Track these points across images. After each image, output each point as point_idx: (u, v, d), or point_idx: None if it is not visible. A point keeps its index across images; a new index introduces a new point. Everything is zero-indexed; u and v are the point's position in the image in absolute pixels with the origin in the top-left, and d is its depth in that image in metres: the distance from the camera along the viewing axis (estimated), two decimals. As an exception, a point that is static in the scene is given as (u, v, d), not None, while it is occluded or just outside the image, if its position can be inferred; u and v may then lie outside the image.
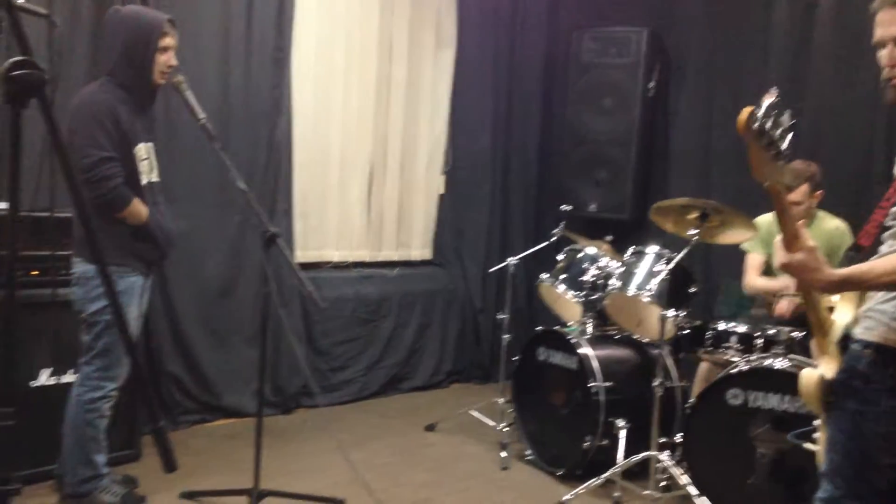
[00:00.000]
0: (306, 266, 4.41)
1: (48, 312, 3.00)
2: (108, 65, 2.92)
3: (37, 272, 3.05)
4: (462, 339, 5.35)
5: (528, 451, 3.80)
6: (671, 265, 3.37)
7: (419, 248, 5.37)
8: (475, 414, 4.23)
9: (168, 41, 2.93)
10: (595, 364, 3.53)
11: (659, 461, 3.18)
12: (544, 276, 3.95)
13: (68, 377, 3.14)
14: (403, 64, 5.11)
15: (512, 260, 4.11)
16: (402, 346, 5.02)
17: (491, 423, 4.09)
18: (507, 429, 3.91)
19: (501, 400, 4.04)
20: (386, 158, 5.11)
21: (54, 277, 2.98)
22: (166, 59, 2.93)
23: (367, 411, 4.57)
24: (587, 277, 3.80)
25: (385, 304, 4.94)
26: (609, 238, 4.06)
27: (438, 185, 5.39)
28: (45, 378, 3.12)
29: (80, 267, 2.87)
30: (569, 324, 3.91)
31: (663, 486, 3.20)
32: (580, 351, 3.58)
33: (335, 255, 4.88)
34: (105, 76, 2.92)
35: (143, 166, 2.95)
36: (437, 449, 3.99)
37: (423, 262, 5.38)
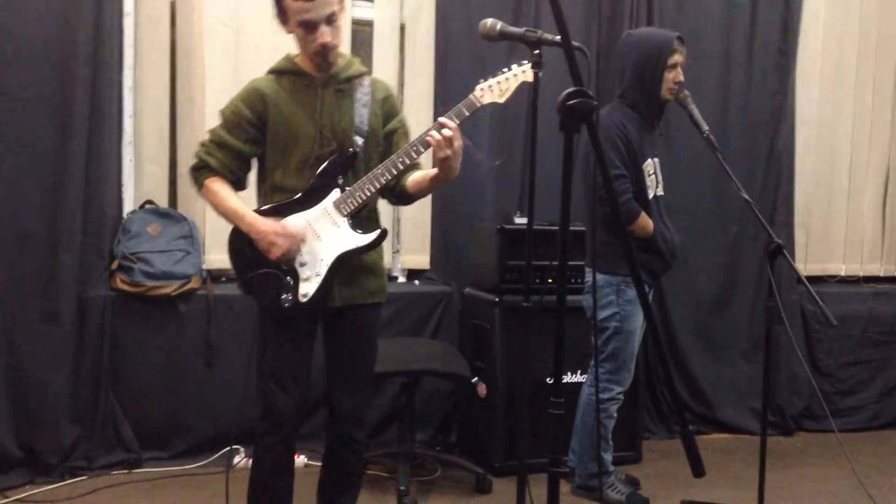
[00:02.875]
0: (809, 280, 4.11)
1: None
2: (620, 87, 3.10)
3: (550, 280, 3.37)
4: None
5: None
6: None
7: (949, 263, 4.62)
8: None
9: (676, 58, 3.00)
10: None
11: None
12: None
13: (576, 377, 3.41)
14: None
15: None
16: (926, 375, 4.36)
17: None
18: None
19: None
20: (906, 160, 4.52)
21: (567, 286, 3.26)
22: (674, 76, 3.00)
23: (881, 442, 4.09)
24: None
25: (904, 326, 4.36)
26: None
27: (978, 188, 4.56)
28: (558, 376, 3.44)
29: (593, 277, 3.10)
30: None
31: None
32: None
33: (842, 269, 4.52)
34: (617, 98, 3.11)
35: (650, 181, 3.07)
36: (982, 498, 3.36)
37: (955, 279, 4.61)
